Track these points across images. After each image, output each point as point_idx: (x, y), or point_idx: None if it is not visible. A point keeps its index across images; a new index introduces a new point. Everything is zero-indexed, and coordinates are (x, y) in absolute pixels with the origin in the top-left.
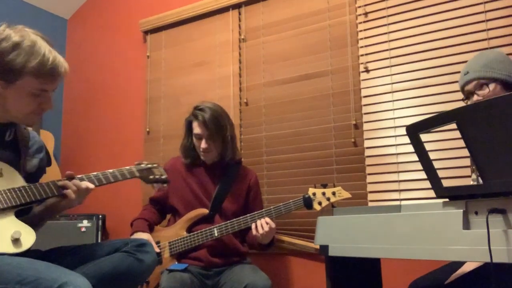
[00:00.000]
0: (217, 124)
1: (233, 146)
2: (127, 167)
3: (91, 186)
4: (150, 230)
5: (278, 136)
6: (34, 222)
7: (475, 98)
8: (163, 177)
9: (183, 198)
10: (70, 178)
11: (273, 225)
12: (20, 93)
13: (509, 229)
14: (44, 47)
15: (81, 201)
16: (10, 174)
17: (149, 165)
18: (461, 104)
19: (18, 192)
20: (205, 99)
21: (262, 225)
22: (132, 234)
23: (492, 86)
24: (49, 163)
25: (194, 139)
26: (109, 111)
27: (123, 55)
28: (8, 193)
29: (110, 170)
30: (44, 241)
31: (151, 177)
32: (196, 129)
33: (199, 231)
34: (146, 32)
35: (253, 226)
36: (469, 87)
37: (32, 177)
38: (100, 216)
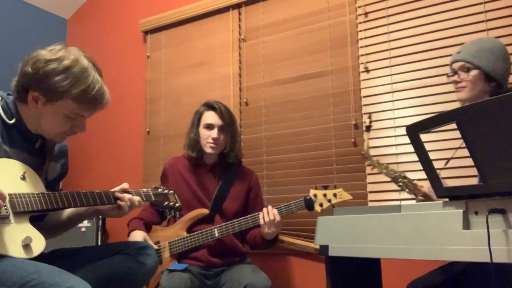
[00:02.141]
0: (230, 117)
1: (239, 145)
2: (144, 190)
3: (141, 203)
4: (147, 229)
5: (278, 136)
6: (62, 225)
7: (455, 77)
8: (177, 205)
9: (183, 198)
10: (124, 191)
11: (278, 217)
12: (57, 113)
13: (509, 229)
14: (93, 76)
15: (128, 212)
16: (33, 179)
17: (166, 191)
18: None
19: (37, 197)
20: (205, 99)
21: (268, 212)
22: (128, 233)
23: (474, 72)
24: None
25: (203, 130)
26: (109, 111)
27: (123, 55)
28: (27, 197)
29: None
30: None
31: (166, 203)
32: (209, 118)
33: (199, 231)
34: (146, 32)
35: (260, 215)
36: (456, 65)
37: (53, 182)
38: (100, 216)
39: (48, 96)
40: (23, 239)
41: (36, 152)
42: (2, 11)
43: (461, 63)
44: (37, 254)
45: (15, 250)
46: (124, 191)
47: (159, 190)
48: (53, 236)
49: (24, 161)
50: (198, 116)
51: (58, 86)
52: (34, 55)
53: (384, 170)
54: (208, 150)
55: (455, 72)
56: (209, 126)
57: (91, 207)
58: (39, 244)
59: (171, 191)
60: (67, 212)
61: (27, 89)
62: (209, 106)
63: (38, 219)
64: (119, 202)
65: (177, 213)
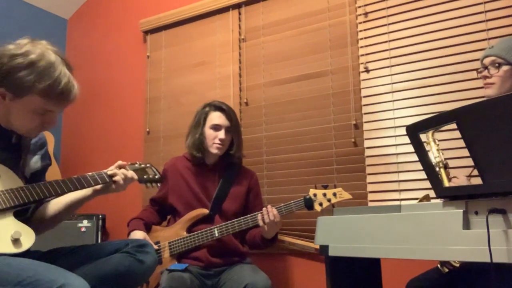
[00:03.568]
0: (236, 118)
1: (242, 145)
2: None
3: (136, 177)
4: (147, 229)
5: (278, 136)
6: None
7: (485, 73)
8: (156, 176)
9: (183, 198)
10: (120, 167)
11: (278, 217)
12: (24, 108)
13: (509, 229)
14: (60, 70)
15: (125, 187)
16: (8, 176)
17: (143, 165)
18: (462, 104)
19: (16, 192)
20: (205, 99)
21: (268, 212)
22: (128, 233)
23: (505, 68)
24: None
25: (209, 131)
26: (109, 111)
27: (123, 55)
28: (7, 194)
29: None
30: (44, 241)
31: (145, 176)
32: (217, 119)
33: (199, 231)
34: (146, 32)
35: (259, 216)
36: (487, 60)
37: (36, 174)
38: (100, 216)
39: (14, 92)
40: (12, 234)
41: (11, 147)
42: (2, 11)
43: (492, 58)
44: (28, 247)
45: (4, 245)
46: (120, 167)
47: (136, 165)
48: (52, 226)
49: None
50: (204, 116)
51: (23, 82)
52: (1, 49)
53: None
54: (214, 150)
55: (485, 68)
56: (216, 127)
57: (88, 191)
58: (28, 237)
59: (148, 164)
60: (68, 199)
61: None
62: (216, 107)
63: (23, 214)
64: (113, 178)
65: (158, 184)
